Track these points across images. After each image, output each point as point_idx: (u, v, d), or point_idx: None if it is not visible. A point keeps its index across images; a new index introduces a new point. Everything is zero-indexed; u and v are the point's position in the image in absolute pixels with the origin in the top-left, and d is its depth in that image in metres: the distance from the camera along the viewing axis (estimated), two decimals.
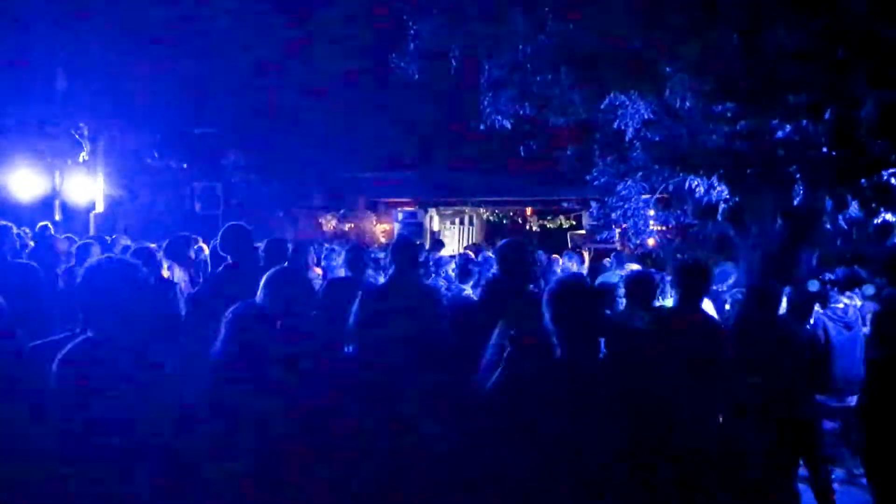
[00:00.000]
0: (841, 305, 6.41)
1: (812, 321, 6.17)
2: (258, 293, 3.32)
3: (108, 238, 8.15)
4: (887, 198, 9.25)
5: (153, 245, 6.20)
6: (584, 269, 10.07)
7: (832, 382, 6.01)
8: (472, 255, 9.94)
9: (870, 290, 7.25)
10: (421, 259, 8.55)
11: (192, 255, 6.12)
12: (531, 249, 5.23)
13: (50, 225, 8.96)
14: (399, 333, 3.73)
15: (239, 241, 4.64)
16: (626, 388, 2.80)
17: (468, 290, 7.03)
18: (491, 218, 21.57)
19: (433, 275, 8.37)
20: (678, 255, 11.35)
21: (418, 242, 12.90)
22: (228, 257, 4.61)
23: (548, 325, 2.91)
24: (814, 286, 7.42)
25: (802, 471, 5.01)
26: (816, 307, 6.76)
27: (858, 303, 6.57)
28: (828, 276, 7.86)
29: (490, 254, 9.50)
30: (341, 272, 7.06)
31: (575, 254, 10.38)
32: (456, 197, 18.91)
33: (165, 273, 5.34)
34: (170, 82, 14.50)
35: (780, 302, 4.83)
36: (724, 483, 3.69)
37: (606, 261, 9.67)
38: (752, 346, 4.41)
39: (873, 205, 9.43)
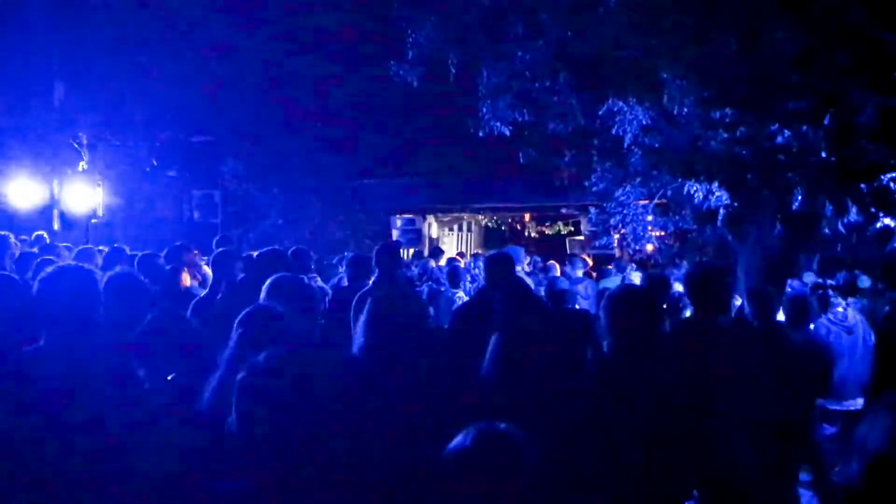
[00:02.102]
0: (840, 309, 6.41)
1: (812, 326, 6.14)
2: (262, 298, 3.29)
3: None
4: (887, 202, 9.25)
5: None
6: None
7: (832, 386, 5.99)
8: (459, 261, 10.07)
9: (866, 282, 7.25)
10: (414, 267, 8.61)
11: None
12: None
13: (45, 234, 8.92)
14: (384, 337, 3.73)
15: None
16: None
17: (460, 293, 7.10)
18: (489, 224, 21.57)
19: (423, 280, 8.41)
20: (677, 261, 11.34)
21: (416, 249, 12.93)
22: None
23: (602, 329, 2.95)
24: (808, 277, 7.39)
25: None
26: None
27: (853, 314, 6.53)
28: (828, 281, 7.85)
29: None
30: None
31: (580, 260, 10.37)
32: (454, 203, 18.88)
33: (188, 281, 5.28)
34: (168, 91, 14.50)
35: (776, 308, 4.77)
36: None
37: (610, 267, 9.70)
38: (745, 352, 4.37)
39: (873, 209, 9.44)
